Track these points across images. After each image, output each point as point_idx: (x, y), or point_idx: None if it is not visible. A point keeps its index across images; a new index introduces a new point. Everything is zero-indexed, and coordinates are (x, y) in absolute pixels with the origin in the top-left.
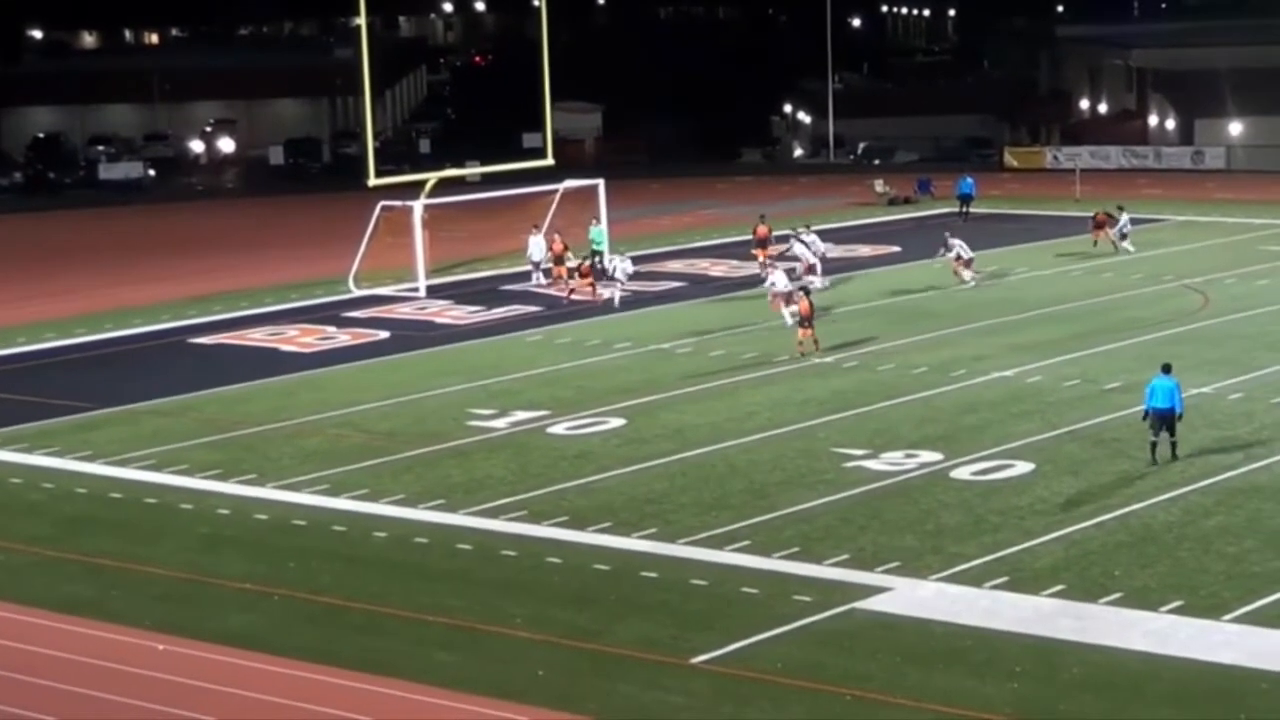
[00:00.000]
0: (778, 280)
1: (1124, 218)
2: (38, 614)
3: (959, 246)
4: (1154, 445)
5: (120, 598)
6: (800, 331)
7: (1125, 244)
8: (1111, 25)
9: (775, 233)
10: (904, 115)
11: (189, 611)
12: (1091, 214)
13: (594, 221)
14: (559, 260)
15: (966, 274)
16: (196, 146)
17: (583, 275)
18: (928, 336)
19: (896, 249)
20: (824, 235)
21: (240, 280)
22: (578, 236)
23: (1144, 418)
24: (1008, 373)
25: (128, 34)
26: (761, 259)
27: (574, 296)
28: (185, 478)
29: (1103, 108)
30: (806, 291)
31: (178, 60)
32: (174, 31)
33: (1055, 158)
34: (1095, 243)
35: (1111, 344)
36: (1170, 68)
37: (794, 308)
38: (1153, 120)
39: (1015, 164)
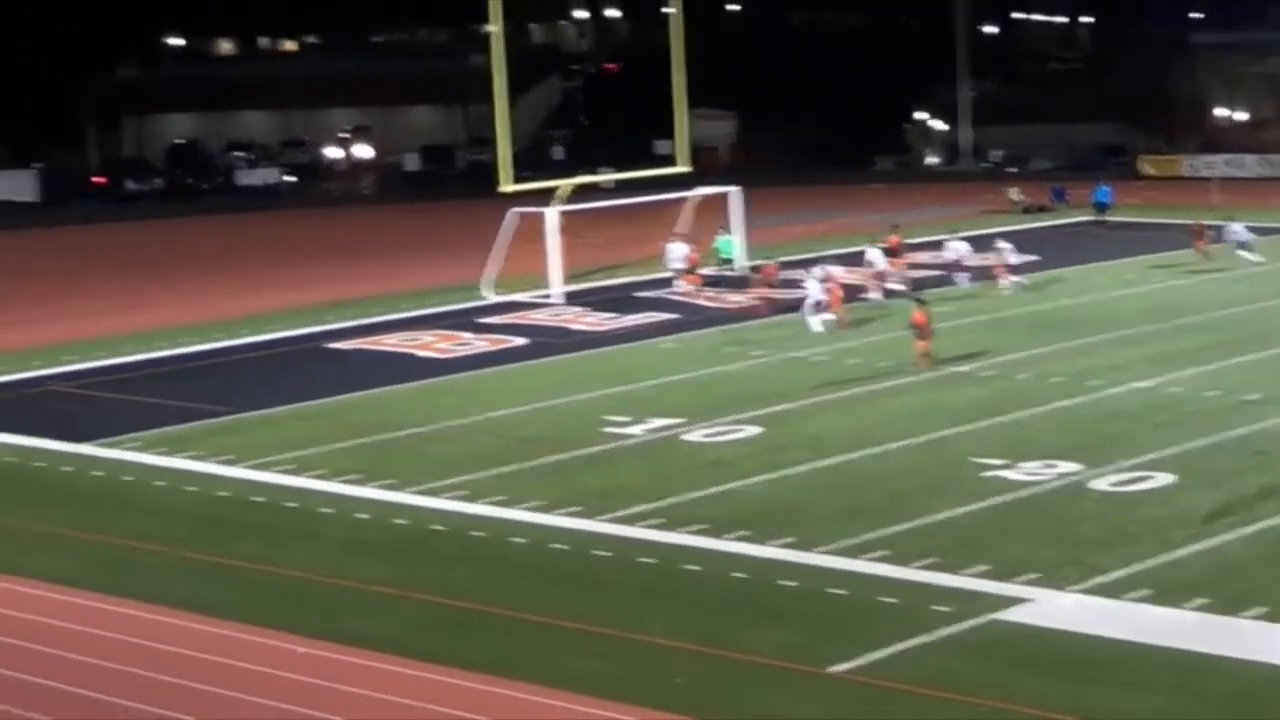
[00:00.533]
0: (811, 289)
1: (1234, 227)
2: (180, 615)
3: (1007, 250)
4: None
5: (260, 600)
6: (918, 344)
7: (1246, 254)
8: (1248, 32)
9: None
10: (1038, 123)
11: (328, 614)
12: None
13: (720, 231)
14: (691, 270)
15: (1005, 281)
16: (333, 153)
17: (766, 275)
18: (1065, 346)
19: (1034, 258)
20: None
21: (376, 286)
22: (710, 244)
23: None
24: (1146, 383)
25: (264, 41)
26: (891, 269)
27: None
28: (325, 482)
29: (1239, 115)
30: (922, 303)
31: (314, 67)
32: (310, 39)
33: (1191, 166)
34: (1203, 254)
35: (1251, 355)
36: None
37: (825, 316)
38: None
39: (1151, 172)
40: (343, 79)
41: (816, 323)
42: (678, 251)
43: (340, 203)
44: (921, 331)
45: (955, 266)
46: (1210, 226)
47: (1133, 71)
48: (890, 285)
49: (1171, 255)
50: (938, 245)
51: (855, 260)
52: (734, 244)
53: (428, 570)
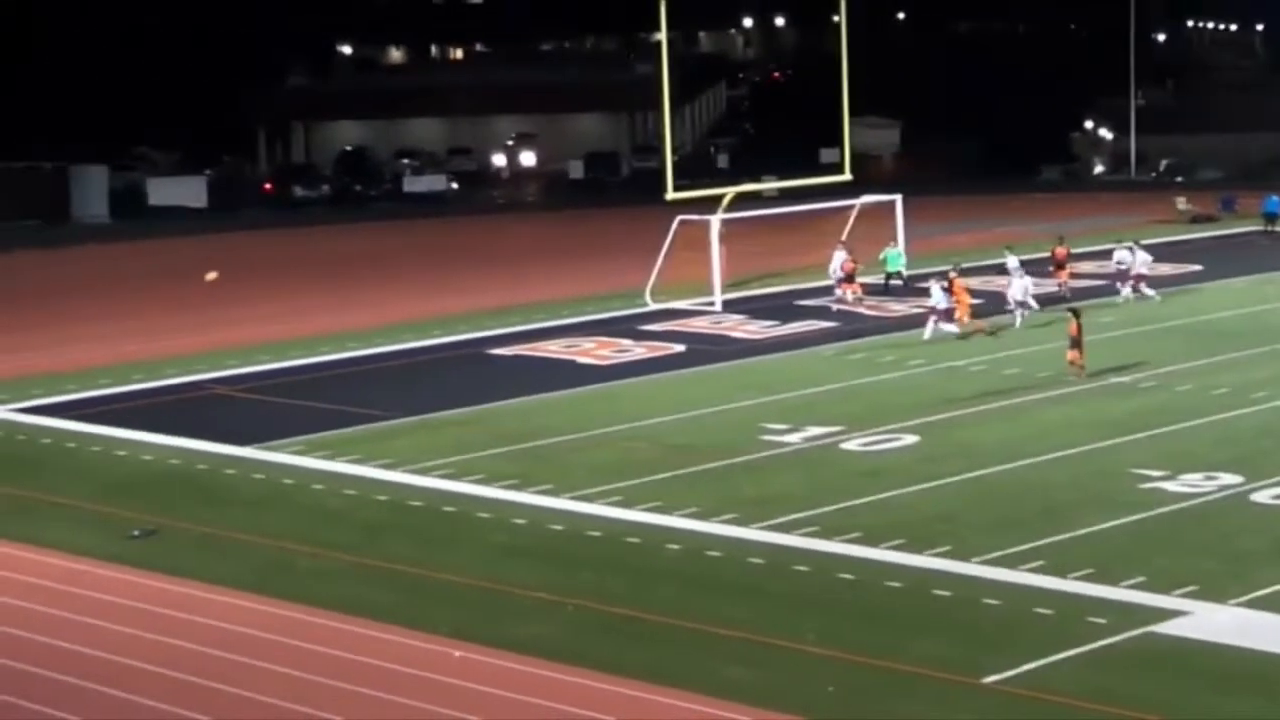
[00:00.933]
0: (936, 295)
1: None
2: (337, 618)
3: (1142, 263)
4: None
5: (417, 604)
6: (1070, 353)
7: None
8: None
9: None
10: (1208, 132)
11: (484, 619)
12: None
13: (890, 243)
14: (849, 278)
15: (1146, 289)
16: (499, 160)
17: (956, 292)
18: (1228, 357)
19: (1198, 268)
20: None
21: (538, 292)
22: (872, 253)
23: None
24: None
25: (434, 50)
26: (1060, 280)
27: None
28: (483, 487)
29: None
30: (1076, 314)
31: (481, 75)
32: (478, 47)
33: None
34: None
35: None
36: None
37: (946, 325)
38: None
39: None
40: (510, 87)
41: (929, 329)
42: (840, 260)
43: (505, 210)
44: (1074, 341)
45: (1122, 275)
46: None
47: None
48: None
49: None
50: (1107, 254)
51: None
52: (900, 256)
53: (583, 576)
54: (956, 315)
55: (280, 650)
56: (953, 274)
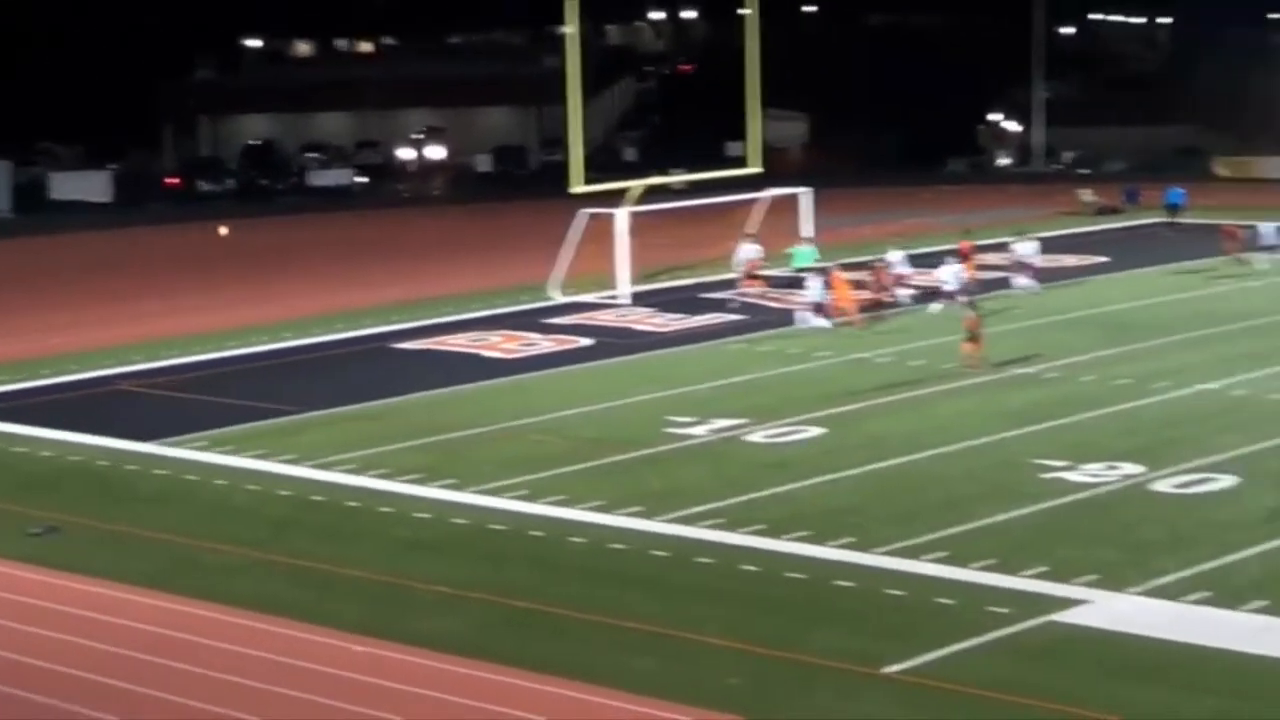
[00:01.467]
0: (811, 287)
1: (1265, 228)
2: (241, 614)
3: (1031, 253)
4: None
5: (321, 599)
6: (965, 345)
7: (1265, 255)
8: None
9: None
10: (1113, 124)
11: (387, 614)
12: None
13: (799, 241)
14: (752, 275)
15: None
16: (406, 154)
17: (836, 287)
18: (1131, 347)
19: (1104, 259)
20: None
21: (445, 286)
22: (779, 245)
23: None
24: (1212, 385)
25: (341, 43)
26: (968, 273)
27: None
28: (387, 481)
29: None
30: (973, 306)
31: (389, 69)
32: (386, 41)
33: (1268, 167)
34: (1238, 257)
35: None
36: None
37: (816, 318)
38: None
39: (1226, 174)
40: (418, 80)
41: (809, 319)
42: (746, 253)
43: (412, 203)
44: (971, 334)
45: (1018, 269)
46: (1244, 227)
47: (1209, 73)
48: (900, 291)
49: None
50: (1004, 247)
51: (925, 262)
52: (810, 254)
53: (487, 570)
54: (836, 307)
55: (187, 648)
56: (835, 271)
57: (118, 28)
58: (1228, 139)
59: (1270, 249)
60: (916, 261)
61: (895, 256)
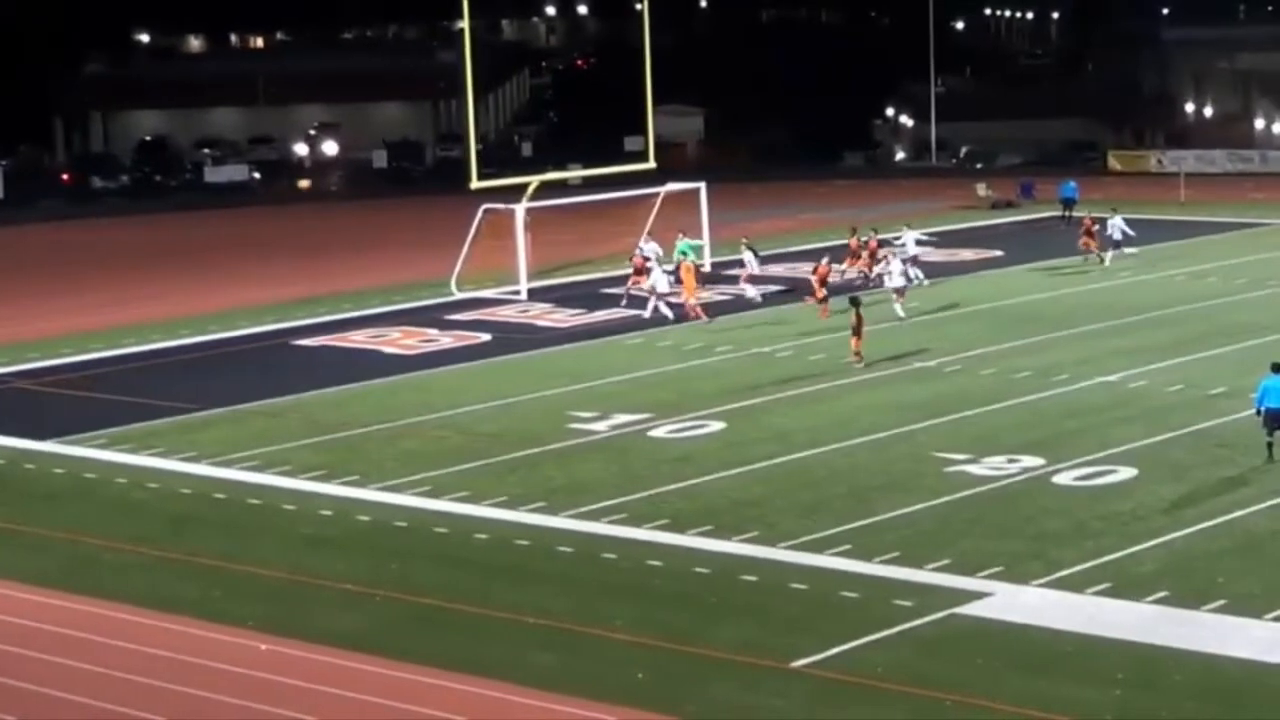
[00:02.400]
0: (658, 281)
1: (1114, 220)
2: (142, 613)
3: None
4: (1269, 444)
5: (223, 597)
6: (853, 340)
7: (1128, 250)
8: (1217, 28)
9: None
10: (1007, 119)
11: (291, 612)
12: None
13: (680, 234)
14: (639, 272)
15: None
16: (301, 149)
17: (683, 278)
18: (1030, 341)
19: (999, 253)
20: (923, 239)
21: (343, 282)
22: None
23: (1257, 413)
24: (1111, 377)
25: (234, 38)
26: (863, 268)
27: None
28: (289, 479)
29: (1208, 111)
30: (857, 303)
31: (282, 64)
32: (279, 35)
33: (1160, 161)
34: (1094, 254)
35: (1216, 349)
36: (1277, 70)
37: (665, 308)
38: (1259, 123)
39: (1119, 168)
40: (312, 75)
41: (650, 308)
42: (644, 249)
43: (308, 199)
44: (855, 330)
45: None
46: (1097, 220)
47: (1102, 68)
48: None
49: (1136, 250)
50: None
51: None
52: (693, 246)
53: (390, 567)
54: (684, 299)
55: (87, 647)
56: (684, 261)
57: (5, 22)
58: (1121, 133)
59: (1117, 244)
60: (796, 257)
61: (910, 236)
